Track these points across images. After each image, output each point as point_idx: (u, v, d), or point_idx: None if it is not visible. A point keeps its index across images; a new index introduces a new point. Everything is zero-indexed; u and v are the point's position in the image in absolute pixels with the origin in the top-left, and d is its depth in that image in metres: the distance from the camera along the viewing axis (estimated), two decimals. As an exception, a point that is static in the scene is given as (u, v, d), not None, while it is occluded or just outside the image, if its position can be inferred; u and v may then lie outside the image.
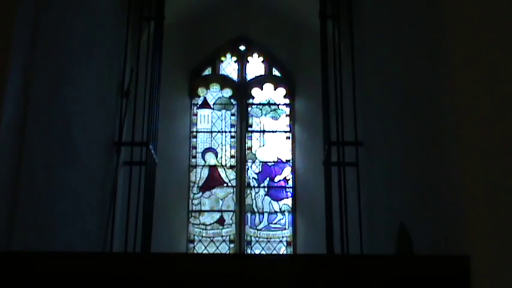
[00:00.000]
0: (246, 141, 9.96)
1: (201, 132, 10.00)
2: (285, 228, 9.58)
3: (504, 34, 4.00)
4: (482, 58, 3.96)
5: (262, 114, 10.09)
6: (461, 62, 3.98)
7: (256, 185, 9.77)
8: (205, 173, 9.81)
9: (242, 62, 10.27)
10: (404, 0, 5.43)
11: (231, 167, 9.85)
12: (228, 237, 9.52)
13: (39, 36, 4.57)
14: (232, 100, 10.15)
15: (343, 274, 3.74)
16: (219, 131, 10.01)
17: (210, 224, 9.58)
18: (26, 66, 4.38)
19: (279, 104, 10.13)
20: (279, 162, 9.89)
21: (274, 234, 9.55)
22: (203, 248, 9.44)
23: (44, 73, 4.79)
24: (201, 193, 9.71)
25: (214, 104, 10.13)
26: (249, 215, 9.63)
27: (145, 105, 7.58)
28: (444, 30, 4.13)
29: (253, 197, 9.71)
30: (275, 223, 9.61)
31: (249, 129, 10.02)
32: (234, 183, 9.76)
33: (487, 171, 3.76)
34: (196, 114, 10.06)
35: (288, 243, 9.50)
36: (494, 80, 3.92)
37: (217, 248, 9.45)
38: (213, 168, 9.85)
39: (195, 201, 9.66)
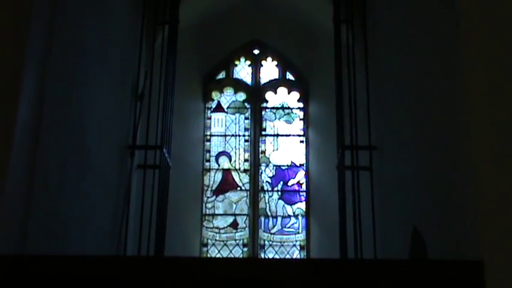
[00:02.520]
0: (260, 145, 9.96)
1: (214, 135, 10.00)
2: (298, 232, 9.57)
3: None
4: (497, 64, 3.95)
5: (276, 118, 10.09)
6: (476, 66, 3.96)
7: (269, 188, 9.76)
8: (218, 176, 9.82)
9: (256, 66, 10.27)
10: (419, 5, 5.43)
11: (245, 170, 9.85)
12: (241, 241, 9.52)
13: (54, 39, 4.59)
14: (246, 104, 10.16)
15: (357, 278, 3.73)
16: (232, 135, 10.01)
17: (224, 228, 9.58)
18: (41, 69, 4.39)
19: (293, 108, 10.13)
20: (292, 166, 9.88)
21: (287, 238, 9.54)
22: (216, 251, 9.44)
23: (59, 76, 4.81)
24: (214, 197, 9.72)
25: (228, 107, 10.13)
26: (262, 218, 9.63)
27: (160, 108, 7.60)
28: (459, 36, 4.13)
29: (266, 201, 9.70)
30: (288, 227, 9.60)
31: (263, 133, 10.02)
32: (247, 187, 9.76)
33: (501, 175, 3.75)
34: (210, 118, 10.06)
35: (302, 247, 9.49)
36: (509, 87, 3.90)
37: (231, 251, 9.45)
38: (226, 172, 9.85)
39: (209, 205, 9.66)
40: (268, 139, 10.01)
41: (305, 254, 9.42)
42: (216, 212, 9.64)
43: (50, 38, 4.53)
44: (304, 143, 9.94)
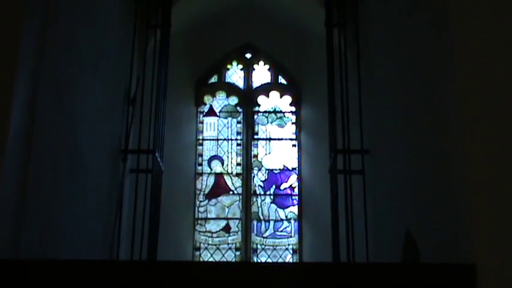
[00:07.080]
0: (252, 148, 9.96)
1: (207, 139, 10.00)
2: (291, 236, 9.57)
3: (510, 45, 4.01)
4: (488, 67, 3.97)
5: (268, 122, 10.10)
6: (468, 70, 3.98)
7: (262, 192, 9.77)
8: (211, 180, 9.82)
9: (248, 70, 10.28)
10: (411, 9, 5.45)
11: (237, 174, 9.85)
12: (234, 245, 9.52)
13: (46, 45, 4.59)
14: (238, 108, 10.16)
15: (349, 282, 3.74)
16: (225, 139, 10.01)
17: (216, 232, 9.57)
18: (33, 76, 4.40)
19: (285, 112, 10.14)
20: (285, 169, 9.88)
21: (280, 242, 9.55)
22: (209, 255, 9.43)
23: (51, 82, 4.81)
24: (207, 201, 9.71)
25: (220, 111, 10.13)
26: (255, 222, 9.62)
27: (152, 113, 7.59)
28: (450, 39, 4.14)
29: (259, 205, 9.71)
30: (281, 231, 9.60)
31: (255, 136, 10.02)
32: (240, 190, 9.76)
33: (493, 180, 3.76)
34: (202, 122, 10.06)
35: (294, 251, 9.50)
36: (500, 91, 3.92)
37: (223, 255, 9.45)
38: (219, 176, 9.85)
39: (201, 209, 9.66)
40: (261, 143, 10.02)
41: (298, 257, 9.42)
42: (209, 216, 9.64)
43: (42, 46, 4.53)
44: (297, 146, 9.95)
